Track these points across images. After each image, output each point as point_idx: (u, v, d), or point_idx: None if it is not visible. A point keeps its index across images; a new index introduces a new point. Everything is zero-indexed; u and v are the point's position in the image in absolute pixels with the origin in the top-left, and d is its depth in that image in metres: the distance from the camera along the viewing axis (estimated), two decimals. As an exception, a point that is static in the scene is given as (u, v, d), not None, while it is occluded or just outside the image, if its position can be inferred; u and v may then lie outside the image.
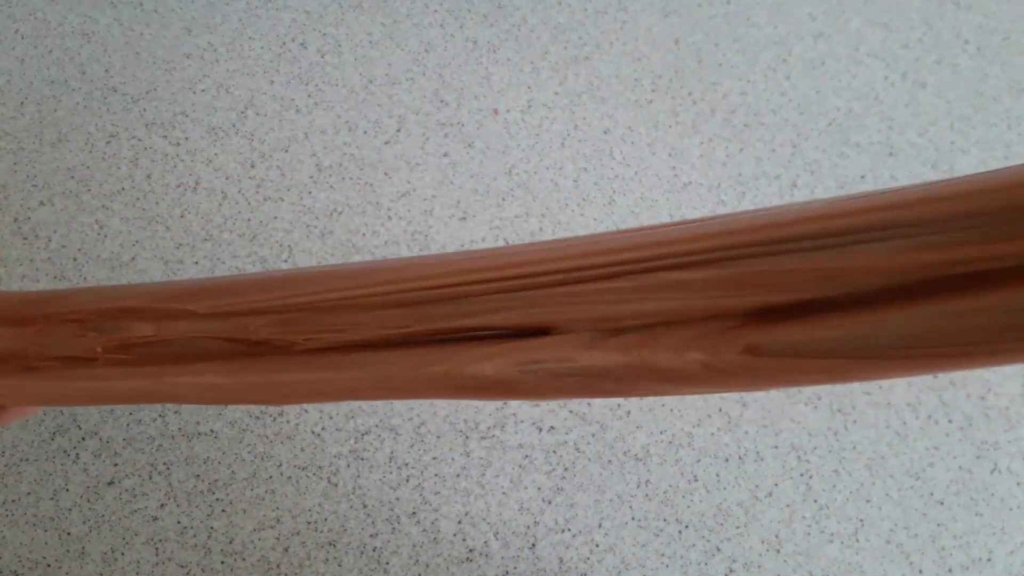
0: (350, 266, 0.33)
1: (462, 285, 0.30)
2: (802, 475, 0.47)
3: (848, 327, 0.23)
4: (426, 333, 0.31)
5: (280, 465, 0.46)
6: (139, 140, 0.53)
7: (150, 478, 0.45)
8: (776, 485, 0.47)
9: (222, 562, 0.44)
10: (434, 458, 0.46)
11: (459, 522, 0.45)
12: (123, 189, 0.51)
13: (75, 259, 0.49)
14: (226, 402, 0.36)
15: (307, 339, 0.33)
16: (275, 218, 0.51)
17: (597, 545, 0.45)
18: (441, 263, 0.31)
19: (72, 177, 0.51)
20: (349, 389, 0.33)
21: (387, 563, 0.44)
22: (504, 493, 0.45)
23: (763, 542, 0.45)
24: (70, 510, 0.44)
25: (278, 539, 0.44)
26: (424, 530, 0.44)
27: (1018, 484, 0.48)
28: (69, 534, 0.43)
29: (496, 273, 0.29)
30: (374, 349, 0.32)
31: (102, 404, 0.39)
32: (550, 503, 0.45)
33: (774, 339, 0.25)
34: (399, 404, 0.47)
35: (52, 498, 0.44)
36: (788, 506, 0.46)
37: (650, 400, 0.48)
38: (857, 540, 0.46)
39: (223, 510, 0.45)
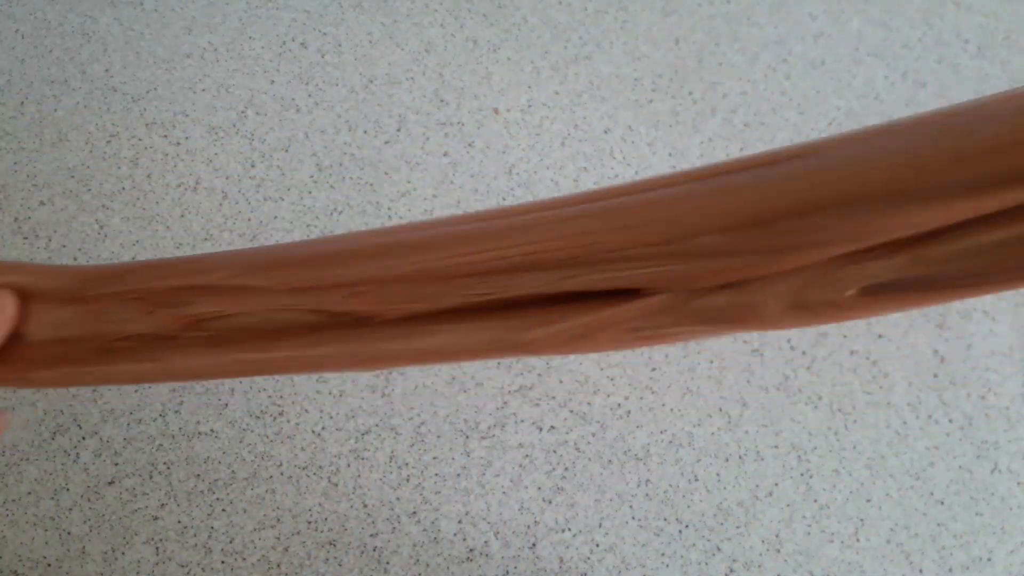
0: (421, 235, 0.32)
1: (537, 253, 0.29)
2: (802, 475, 0.47)
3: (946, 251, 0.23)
4: (503, 300, 0.30)
5: (280, 465, 0.46)
6: (139, 140, 0.53)
7: (150, 478, 0.45)
8: (776, 485, 0.47)
9: (222, 561, 0.44)
10: (434, 458, 0.46)
11: (459, 522, 0.45)
12: (123, 189, 0.51)
13: (75, 259, 0.49)
14: (312, 371, 0.36)
15: (392, 308, 0.33)
16: (275, 218, 0.51)
17: (597, 545, 0.45)
18: (511, 228, 0.30)
19: (72, 177, 0.51)
20: (435, 353, 0.32)
21: (387, 563, 0.44)
22: (504, 493, 0.45)
23: (763, 542, 0.45)
24: (70, 510, 0.44)
25: (278, 539, 0.44)
26: (424, 530, 0.44)
27: (1018, 484, 0.48)
28: (69, 534, 0.43)
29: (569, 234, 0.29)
30: (456, 317, 0.31)
31: (188, 381, 0.38)
32: (550, 503, 0.45)
33: (864, 272, 0.25)
34: (399, 404, 0.47)
35: (52, 498, 0.44)
36: (788, 506, 0.46)
37: (650, 400, 0.48)
38: (857, 540, 0.46)
39: (223, 510, 0.45)
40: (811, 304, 0.26)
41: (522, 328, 0.30)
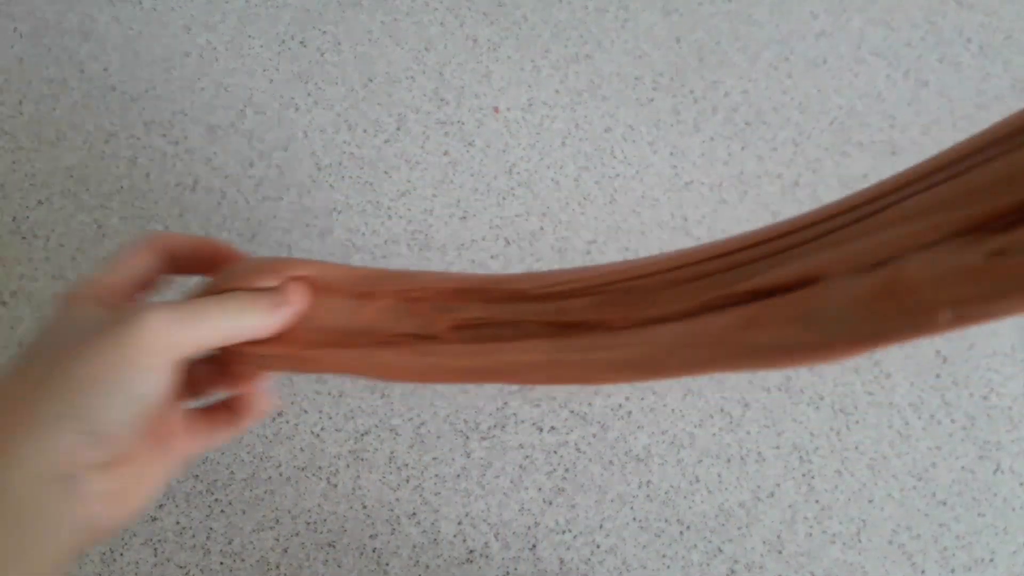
0: (646, 259, 0.35)
1: (739, 252, 0.32)
2: (804, 475, 0.47)
3: None
4: (716, 300, 0.32)
5: (279, 466, 0.45)
6: (138, 139, 0.53)
7: (149, 479, 0.44)
8: (778, 486, 0.46)
9: (221, 563, 0.43)
10: (434, 458, 0.46)
11: (459, 523, 0.44)
12: (122, 188, 0.51)
13: (74, 258, 0.49)
14: (545, 382, 0.38)
15: (621, 317, 0.35)
16: (274, 217, 0.51)
17: (598, 546, 0.44)
18: (715, 243, 0.33)
19: (71, 176, 0.51)
20: (657, 361, 0.34)
21: (387, 564, 0.43)
22: (504, 494, 0.45)
23: (765, 543, 0.45)
24: (68, 511, 0.44)
25: (277, 540, 0.44)
26: (424, 531, 0.44)
27: (1020, 484, 0.47)
28: (67, 535, 0.43)
29: (764, 238, 0.31)
30: (674, 321, 0.33)
31: (442, 381, 0.41)
32: (551, 504, 0.45)
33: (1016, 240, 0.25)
34: (399, 404, 0.47)
35: (50, 499, 0.44)
36: (790, 507, 0.46)
37: (651, 400, 0.48)
38: (859, 541, 0.45)
39: (222, 511, 0.44)
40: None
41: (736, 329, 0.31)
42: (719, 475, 0.46)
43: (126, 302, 0.30)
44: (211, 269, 0.34)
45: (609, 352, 0.35)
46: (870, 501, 0.46)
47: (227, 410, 0.35)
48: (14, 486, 0.24)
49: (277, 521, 0.44)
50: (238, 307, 0.30)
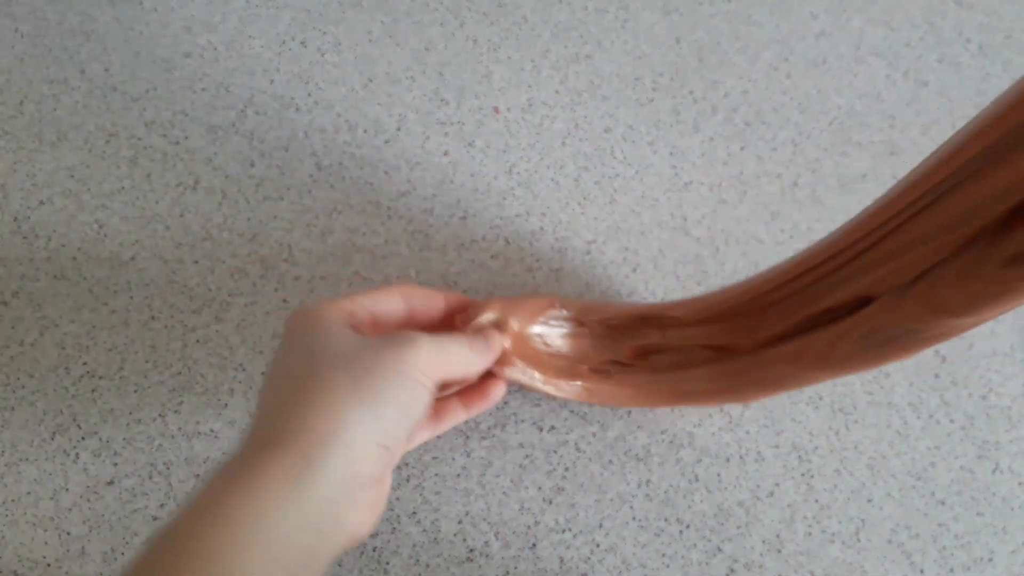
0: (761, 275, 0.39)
1: (808, 272, 0.35)
2: (803, 475, 0.47)
3: None
4: (804, 321, 0.36)
5: (280, 465, 0.45)
6: (139, 139, 0.53)
7: (150, 478, 0.45)
8: (777, 485, 0.46)
9: (222, 562, 0.44)
10: (434, 458, 0.46)
11: (459, 522, 0.44)
12: (122, 188, 0.51)
13: (75, 258, 0.49)
14: (714, 404, 0.44)
15: (747, 340, 0.39)
16: (275, 217, 0.51)
17: (598, 545, 0.45)
18: (792, 262, 0.37)
19: (72, 176, 0.51)
20: (784, 378, 0.38)
21: (387, 563, 0.43)
22: (505, 493, 0.45)
23: (764, 542, 0.45)
24: (70, 510, 0.44)
25: (278, 539, 0.44)
26: (424, 530, 0.44)
27: (1020, 484, 0.47)
28: (69, 534, 0.43)
29: (818, 261, 0.34)
30: (783, 342, 0.37)
31: (633, 406, 0.44)
32: (551, 503, 0.45)
33: None
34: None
35: (52, 498, 0.44)
36: (789, 506, 0.46)
37: (651, 400, 0.48)
38: (858, 540, 0.46)
39: (223, 510, 0.44)
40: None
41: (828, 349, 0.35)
42: (718, 474, 0.46)
43: (372, 333, 0.32)
44: (443, 324, 0.38)
45: (746, 377, 0.38)
46: (869, 500, 0.46)
47: (457, 399, 0.38)
48: (320, 494, 0.25)
49: (278, 520, 0.44)
50: (466, 348, 0.34)
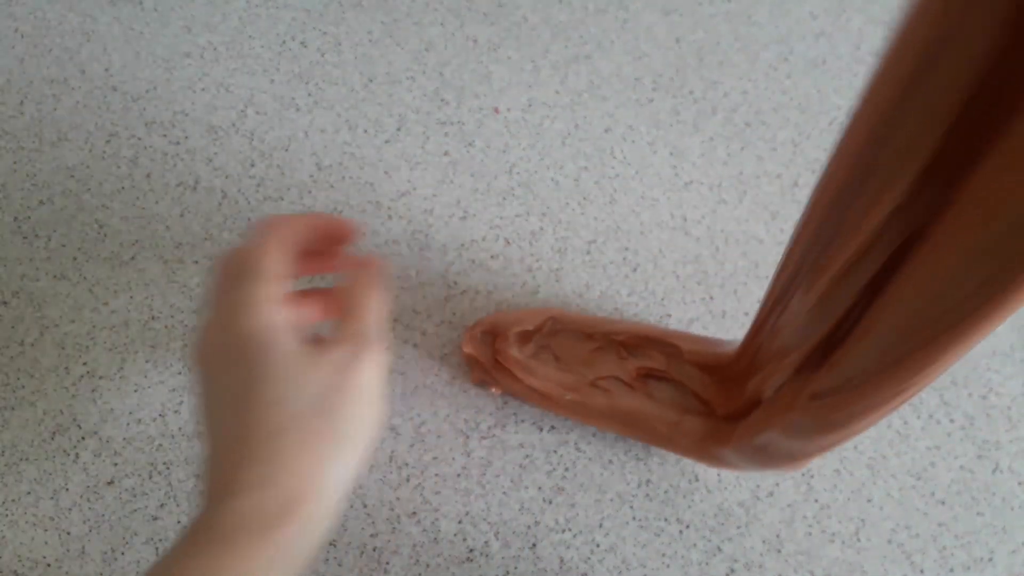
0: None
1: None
2: (803, 475, 0.47)
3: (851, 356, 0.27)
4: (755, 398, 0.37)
5: (280, 465, 0.45)
6: (139, 139, 0.53)
7: (150, 478, 0.45)
8: (777, 485, 0.46)
9: (222, 562, 0.44)
10: (434, 458, 0.46)
11: (459, 522, 0.44)
12: (123, 188, 0.51)
13: (75, 258, 0.49)
14: (699, 461, 0.42)
15: (723, 404, 0.40)
16: (275, 217, 0.51)
17: (598, 545, 0.45)
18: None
19: (72, 176, 0.51)
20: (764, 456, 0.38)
21: (387, 563, 0.43)
22: (505, 493, 0.45)
23: (764, 542, 0.45)
24: (70, 510, 0.44)
25: (278, 539, 0.44)
26: (424, 530, 0.44)
27: (1019, 484, 0.47)
28: (69, 534, 0.43)
29: None
30: (746, 418, 0.38)
31: (619, 431, 0.44)
32: (551, 503, 0.45)
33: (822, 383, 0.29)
34: (399, 404, 0.47)
35: (52, 498, 0.44)
36: (789, 506, 0.46)
37: (651, 400, 0.48)
38: (858, 540, 0.46)
39: (223, 510, 0.44)
40: None
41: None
42: (718, 474, 0.46)
43: (303, 322, 0.32)
44: (330, 253, 0.35)
45: (727, 446, 0.38)
46: (869, 500, 0.46)
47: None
48: (321, 502, 0.27)
49: (278, 520, 0.44)
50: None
